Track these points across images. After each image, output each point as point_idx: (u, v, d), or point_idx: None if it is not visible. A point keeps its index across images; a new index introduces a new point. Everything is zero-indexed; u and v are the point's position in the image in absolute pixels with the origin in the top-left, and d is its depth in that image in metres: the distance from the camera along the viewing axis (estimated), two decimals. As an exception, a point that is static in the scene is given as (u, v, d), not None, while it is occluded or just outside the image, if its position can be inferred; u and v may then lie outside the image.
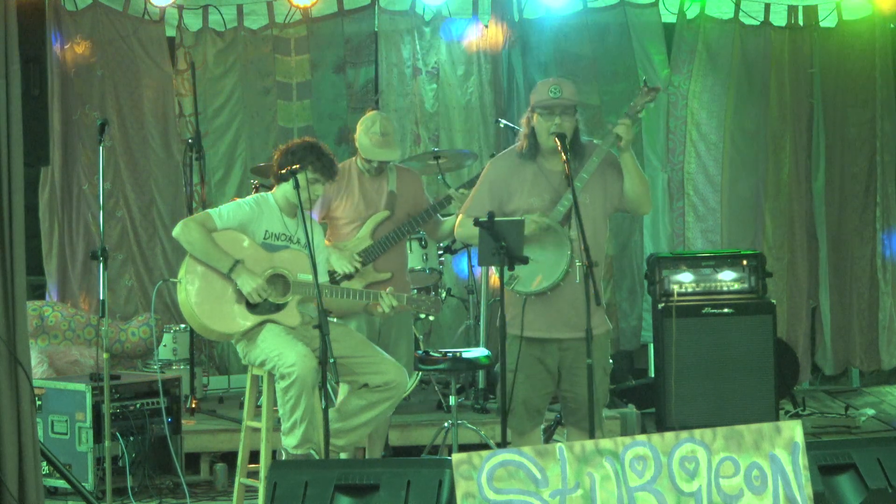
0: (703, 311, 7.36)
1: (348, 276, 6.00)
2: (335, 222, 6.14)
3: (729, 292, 7.46)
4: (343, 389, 5.78)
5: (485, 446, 6.38)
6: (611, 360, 5.74)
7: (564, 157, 5.24)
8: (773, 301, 7.56)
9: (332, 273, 5.94)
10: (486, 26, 8.81)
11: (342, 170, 6.13)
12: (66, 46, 8.28)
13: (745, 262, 7.52)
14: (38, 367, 6.95)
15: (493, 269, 6.32)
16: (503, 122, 7.89)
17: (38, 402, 6.34)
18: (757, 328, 7.34)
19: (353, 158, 6.24)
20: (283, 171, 5.53)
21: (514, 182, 5.46)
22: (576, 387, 5.38)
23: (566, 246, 5.30)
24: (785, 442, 4.09)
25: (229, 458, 6.57)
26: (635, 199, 5.44)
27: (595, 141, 5.49)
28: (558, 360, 5.44)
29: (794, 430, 4.11)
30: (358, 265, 5.96)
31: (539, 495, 3.92)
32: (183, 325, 7.89)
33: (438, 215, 6.29)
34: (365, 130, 6.10)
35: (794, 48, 8.95)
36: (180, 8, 8.56)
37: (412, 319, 6.53)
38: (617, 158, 5.40)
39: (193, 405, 7.44)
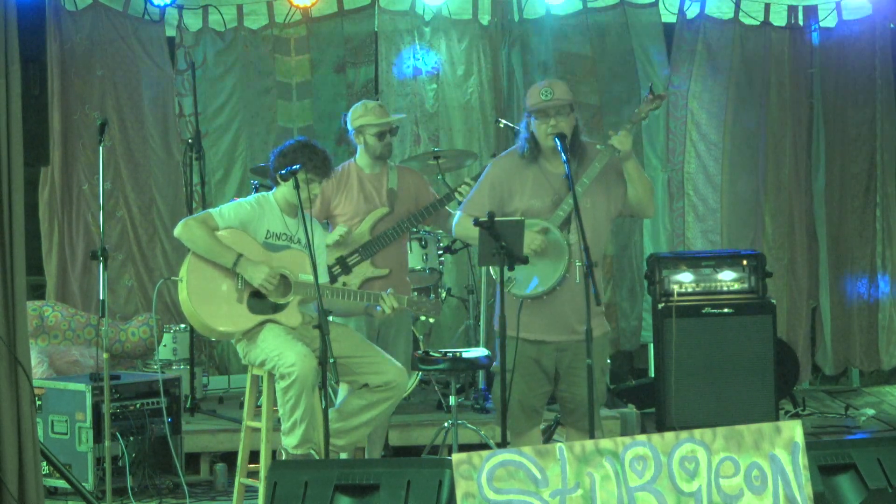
0: (703, 311, 7.36)
1: (344, 266, 6.01)
2: (335, 220, 6.16)
3: (729, 292, 7.46)
4: (343, 389, 5.78)
5: (485, 446, 6.38)
6: (609, 360, 5.75)
7: (564, 158, 5.25)
8: (773, 301, 7.56)
9: (329, 267, 5.95)
10: (486, 26, 8.82)
11: (342, 171, 6.16)
12: (66, 46, 8.28)
13: (745, 262, 7.51)
14: (38, 367, 6.95)
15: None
16: (503, 121, 7.89)
17: (38, 402, 6.34)
18: (757, 328, 7.34)
19: (353, 160, 6.25)
20: (283, 172, 5.53)
21: (515, 183, 5.47)
22: (573, 387, 5.39)
23: (564, 251, 5.31)
24: (785, 442, 4.09)
25: (229, 458, 6.57)
26: (638, 204, 5.47)
27: (598, 146, 5.48)
28: (555, 361, 5.45)
29: (794, 430, 4.11)
30: (342, 233, 5.98)
31: (539, 495, 3.92)
32: (183, 325, 7.89)
33: (447, 208, 6.29)
34: (363, 112, 6.14)
35: (794, 48, 8.95)
36: (180, 8, 8.56)
37: (411, 319, 6.53)
38: (619, 163, 5.40)
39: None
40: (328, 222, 6.25)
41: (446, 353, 6.48)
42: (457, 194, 6.13)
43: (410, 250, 7.14)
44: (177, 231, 5.56)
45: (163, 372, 7.31)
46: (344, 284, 5.84)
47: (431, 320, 6.26)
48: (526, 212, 5.40)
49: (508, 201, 5.46)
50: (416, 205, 6.20)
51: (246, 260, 5.49)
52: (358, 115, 6.15)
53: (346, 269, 6.06)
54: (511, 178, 5.49)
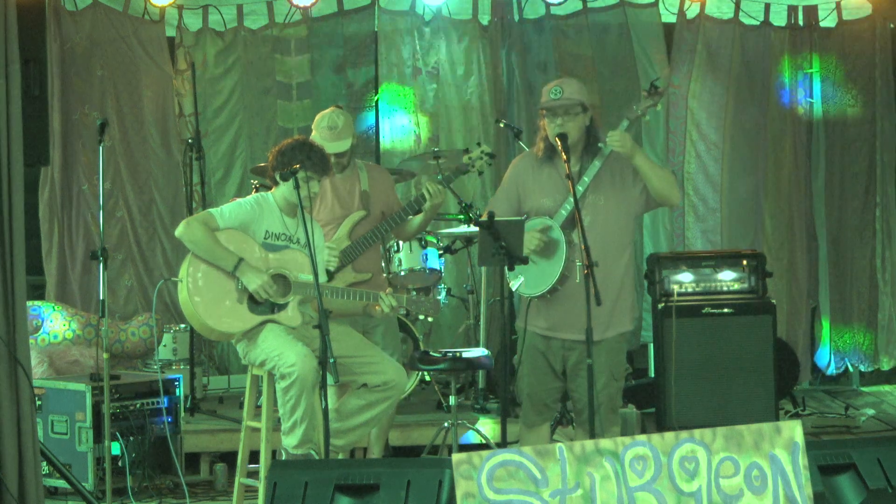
0: (703, 311, 7.35)
1: (327, 273, 6.00)
2: None
3: (729, 292, 7.46)
4: (332, 392, 5.74)
5: (485, 446, 6.39)
6: (627, 366, 5.72)
7: (565, 158, 5.26)
8: (773, 301, 7.56)
9: None
10: (486, 26, 8.82)
11: None
12: (66, 46, 8.28)
13: (745, 262, 7.51)
14: (38, 367, 6.95)
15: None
16: (503, 122, 7.89)
17: (38, 402, 6.34)
18: (757, 328, 7.34)
19: None
20: (283, 171, 5.53)
21: (530, 183, 5.50)
22: (580, 388, 5.39)
23: (562, 249, 5.31)
24: (785, 442, 4.09)
25: (229, 458, 6.57)
26: (660, 196, 5.44)
27: (600, 145, 5.49)
28: (563, 359, 5.46)
29: (794, 430, 4.11)
30: (335, 261, 5.94)
31: (539, 495, 3.92)
32: (183, 325, 7.89)
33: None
34: (315, 127, 6.10)
35: (794, 48, 8.95)
36: (180, 8, 8.56)
37: (397, 320, 6.48)
38: (629, 158, 5.40)
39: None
40: None
41: (446, 353, 6.47)
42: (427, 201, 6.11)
43: (410, 250, 7.15)
44: (178, 231, 5.57)
45: (163, 372, 7.31)
46: None
47: (430, 319, 6.22)
48: (538, 211, 5.43)
49: (524, 200, 5.51)
50: (388, 205, 6.16)
51: (246, 265, 5.49)
52: (313, 129, 6.10)
53: (329, 276, 6.02)
54: (526, 177, 5.52)
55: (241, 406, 6.69)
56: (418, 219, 6.16)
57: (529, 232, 5.28)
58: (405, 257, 7.16)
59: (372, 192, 6.12)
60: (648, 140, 8.82)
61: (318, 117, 6.14)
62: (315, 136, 6.06)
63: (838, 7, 8.93)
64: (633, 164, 5.39)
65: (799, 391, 8.56)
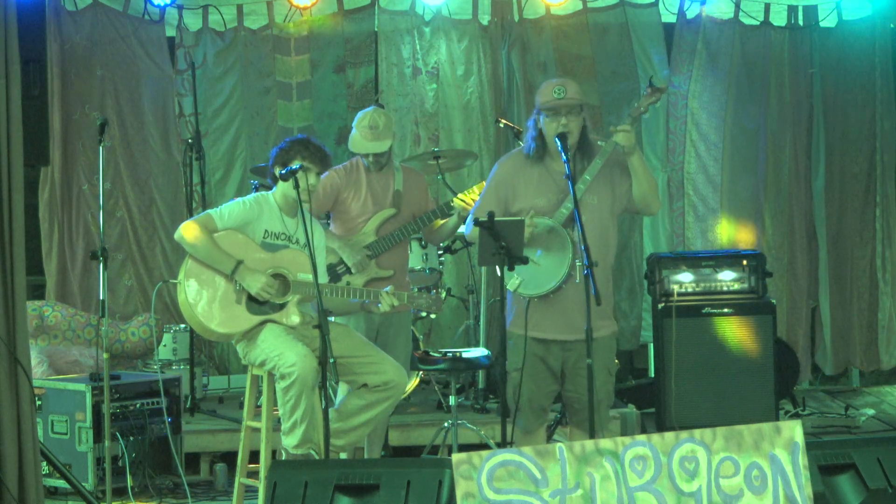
0: (703, 311, 7.36)
1: (350, 270, 6.03)
2: (342, 216, 6.16)
3: (729, 292, 7.46)
4: (342, 389, 5.78)
5: (485, 446, 6.39)
6: (616, 361, 5.75)
7: (564, 158, 5.26)
8: (773, 301, 7.56)
9: (334, 266, 5.96)
10: (486, 26, 8.82)
11: (352, 164, 6.19)
12: (66, 46, 8.28)
13: (745, 262, 7.52)
14: (38, 367, 6.95)
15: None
16: (503, 121, 7.89)
17: (38, 402, 6.34)
18: (757, 328, 7.35)
19: (358, 156, 6.25)
20: (283, 172, 5.54)
21: (520, 183, 5.48)
22: (579, 387, 5.39)
23: (568, 248, 5.31)
24: (785, 442, 4.09)
25: (229, 458, 6.57)
26: (642, 200, 5.46)
27: (599, 143, 5.49)
28: (561, 360, 5.46)
29: (794, 430, 4.11)
30: (367, 259, 6.01)
31: (539, 495, 3.92)
32: (183, 325, 7.89)
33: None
34: (356, 125, 6.17)
35: (794, 48, 8.95)
36: (180, 8, 8.56)
37: (411, 319, 6.53)
38: (623, 158, 5.40)
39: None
40: (330, 214, 6.25)
41: (446, 353, 6.48)
42: (454, 203, 6.18)
43: (410, 250, 7.15)
44: (177, 235, 5.56)
45: (163, 372, 7.31)
46: (347, 284, 5.84)
47: (433, 316, 6.25)
48: (531, 211, 5.41)
49: (513, 201, 5.48)
50: (419, 208, 6.22)
51: (245, 268, 5.50)
52: (353, 127, 6.18)
53: (349, 269, 6.08)
54: (515, 177, 5.50)
55: (241, 406, 6.69)
56: (452, 223, 6.22)
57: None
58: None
59: (405, 194, 6.19)
60: (648, 140, 8.83)
61: (359, 116, 6.18)
62: (355, 135, 6.14)
63: (838, 7, 8.93)
64: (630, 162, 5.39)
65: (799, 391, 8.56)
